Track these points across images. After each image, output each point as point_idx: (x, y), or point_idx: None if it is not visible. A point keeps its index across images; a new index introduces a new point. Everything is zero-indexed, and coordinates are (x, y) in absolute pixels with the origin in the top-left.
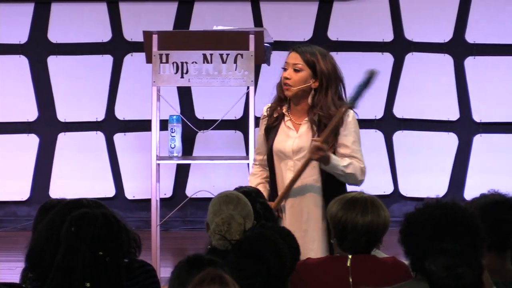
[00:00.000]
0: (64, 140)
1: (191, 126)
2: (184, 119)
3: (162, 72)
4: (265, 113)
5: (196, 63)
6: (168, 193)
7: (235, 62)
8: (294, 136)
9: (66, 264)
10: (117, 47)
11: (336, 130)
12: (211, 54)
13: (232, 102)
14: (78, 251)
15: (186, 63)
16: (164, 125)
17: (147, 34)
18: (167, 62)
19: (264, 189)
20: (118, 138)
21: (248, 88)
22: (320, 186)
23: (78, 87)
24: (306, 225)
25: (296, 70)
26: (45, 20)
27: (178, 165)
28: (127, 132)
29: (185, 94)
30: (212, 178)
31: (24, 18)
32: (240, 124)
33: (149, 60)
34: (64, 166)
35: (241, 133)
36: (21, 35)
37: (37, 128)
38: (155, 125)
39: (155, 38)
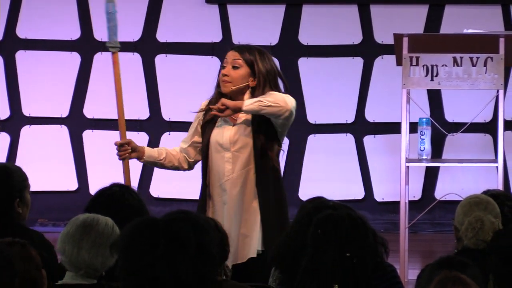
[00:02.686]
0: (314, 142)
1: (441, 129)
2: (434, 121)
3: (412, 74)
4: (203, 107)
5: (446, 66)
6: (417, 196)
7: (484, 65)
8: (229, 128)
9: (314, 266)
10: (368, 50)
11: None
12: (461, 57)
13: (482, 105)
14: (325, 253)
15: (436, 66)
16: (413, 127)
17: (398, 37)
18: (417, 65)
19: (177, 154)
20: (368, 140)
21: (497, 91)
22: (254, 176)
23: (327, 89)
24: (247, 215)
25: (234, 67)
26: (295, 22)
27: (427, 168)
28: (376, 134)
29: (434, 97)
30: (461, 181)
31: (275, 19)
32: (489, 128)
33: (399, 62)
34: (313, 168)
35: (490, 137)
36: (272, 37)
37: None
38: (405, 128)
39: (405, 41)
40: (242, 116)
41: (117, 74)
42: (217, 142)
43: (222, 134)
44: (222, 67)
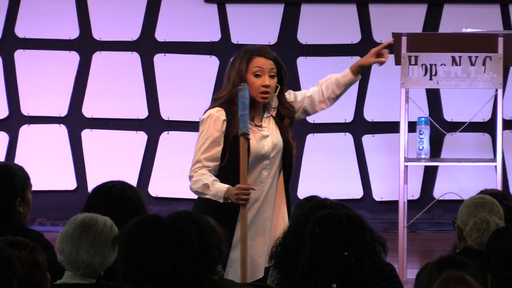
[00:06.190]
0: (313, 141)
1: (439, 128)
2: (433, 121)
3: (410, 74)
4: (224, 117)
5: (444, 65)
6: (416, 195)
7: (483, 64)
8: (266, 136)
9: (312, 266)
10: (366, 49)
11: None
12: (459, 57)
13: (480, 104)
14: (323, 253)
15: (435, 65)
16: (412, 127)
17: (397, 36)
18: (416, 64)
19: None
20: (366, 139)
21: (496, 90)
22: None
23: None
24: (277, 216)
25: (271, 76)
26: (294, 21)
27: (426, 167)
28: (375, 133)
29: (433, 96)
30: (459, 180)
31: (274, 19)
32: (488, 127)
33: (398, 62)
34: (312, 167)
35: (489, 136)
36: (270, 36)
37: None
38: (404, 127)
39: (404, 40)
40: (267, 122)
41: (243, 158)
42: (259, 152)
43: (263, 144)
44: (256, 75)
